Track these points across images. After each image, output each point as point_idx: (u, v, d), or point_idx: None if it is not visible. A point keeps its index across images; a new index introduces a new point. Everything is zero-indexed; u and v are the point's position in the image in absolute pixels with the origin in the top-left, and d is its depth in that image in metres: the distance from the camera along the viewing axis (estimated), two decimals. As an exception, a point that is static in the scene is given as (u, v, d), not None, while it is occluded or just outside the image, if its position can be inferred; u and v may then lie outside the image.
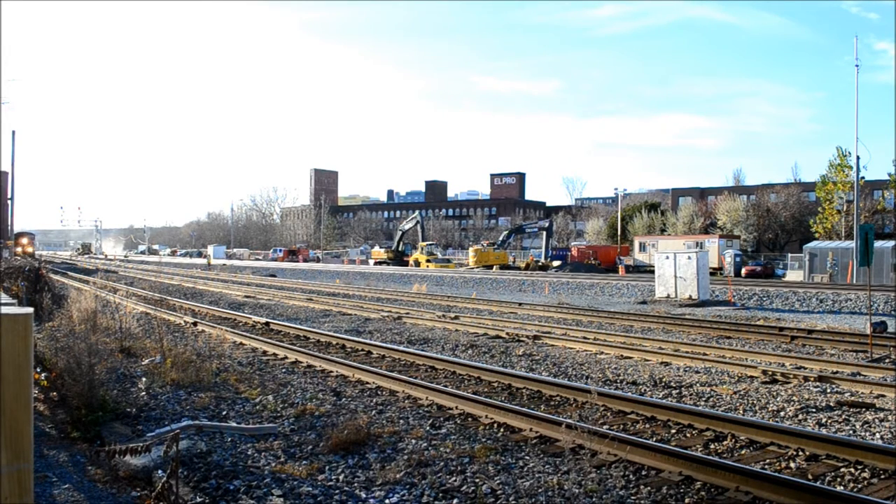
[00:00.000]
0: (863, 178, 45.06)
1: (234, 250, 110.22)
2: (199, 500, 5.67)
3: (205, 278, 41.86)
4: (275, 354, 12.86)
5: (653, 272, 31.80)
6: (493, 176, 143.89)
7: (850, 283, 35.07)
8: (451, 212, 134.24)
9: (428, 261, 61.35)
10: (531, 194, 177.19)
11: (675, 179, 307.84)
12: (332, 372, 11.12)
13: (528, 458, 6.72)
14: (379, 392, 9.71)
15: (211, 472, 6.27)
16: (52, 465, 6.47)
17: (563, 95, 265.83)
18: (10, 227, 49.21)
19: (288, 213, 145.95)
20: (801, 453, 6.73)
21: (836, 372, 11.00)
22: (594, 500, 5.62)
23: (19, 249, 63.51)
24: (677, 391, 9.90)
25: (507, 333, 15.59)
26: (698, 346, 13.68)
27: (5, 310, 2.61)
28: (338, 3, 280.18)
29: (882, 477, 6.12)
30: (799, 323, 18.57)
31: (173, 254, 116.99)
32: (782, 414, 8.57)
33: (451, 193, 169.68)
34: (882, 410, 8.67)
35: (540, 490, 5.79)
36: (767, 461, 6.61)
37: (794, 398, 9.29)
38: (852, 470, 6.28)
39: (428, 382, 9.83)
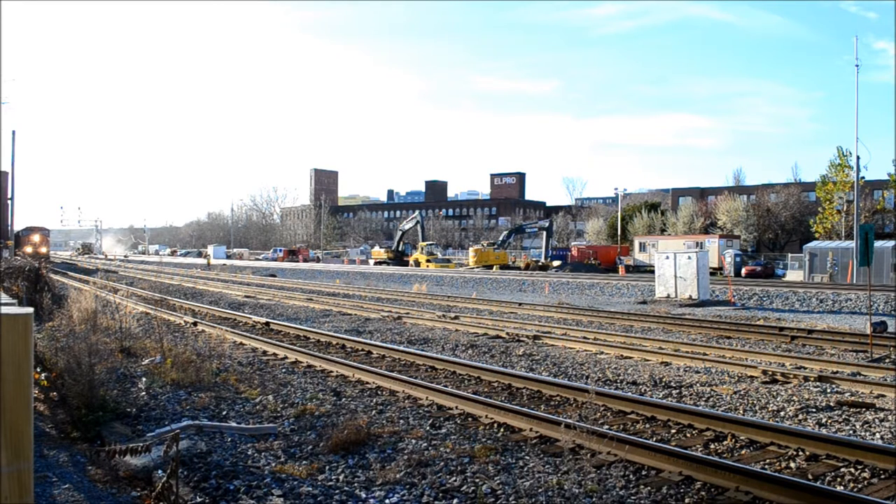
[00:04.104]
0: (863, 178, 45.03)
1: (235, 250, 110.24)
2: (199, 499, 5.67)
3: (205, 278, 41.86)
4: (275, 354, 12.86)
5: (653, 272, 31.80)
6: (493, 176, 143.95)
7: (850, 283, 35.07)
8: (451, 212, 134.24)
9: (428, 261, 61.32)
10: (531, 194, 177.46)
11: (675, 179, 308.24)
12: (332, 372, 11.12)
13: (528, 457, 6.72)
14: (379, 392, 9.71)
15: (211, 472, 6.27)
16: (52, 465, 6.47)
17: (563, 95, 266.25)
18: (10, 227, 48.87)
19: (288, 213, 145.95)
20: (801, 453, 6.73)
21: (836, 372, 11.00)
22: (594, 499, 5.62)
23: (29, 249, 56.82)
24: (677, 391, 9.90)
25: (507, 333, 15.59)
26: (698, 346, 13.68)
27: (5, 310, 2.61)
28: (338, 3, 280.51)
29: (882, 477, 6.12)
30: (799, 323, 18.56)
31: (173, 254, 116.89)
32: (782, 414, 8.57)
33: (451, 193, 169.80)
34: (882, 410, 8.67)
35: (540, 490, 5.79)
36: (767, 461, 6.61)
37: (794, 398, 9.29)
38: (852, 470, 6.28)
39: (428, 382, 9.83)
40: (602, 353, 13.26)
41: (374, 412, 8.53)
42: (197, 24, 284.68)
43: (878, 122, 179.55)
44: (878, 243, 33.11)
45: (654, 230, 76.01)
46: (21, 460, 2.54)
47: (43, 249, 58.11)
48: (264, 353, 13.11)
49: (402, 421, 8.09)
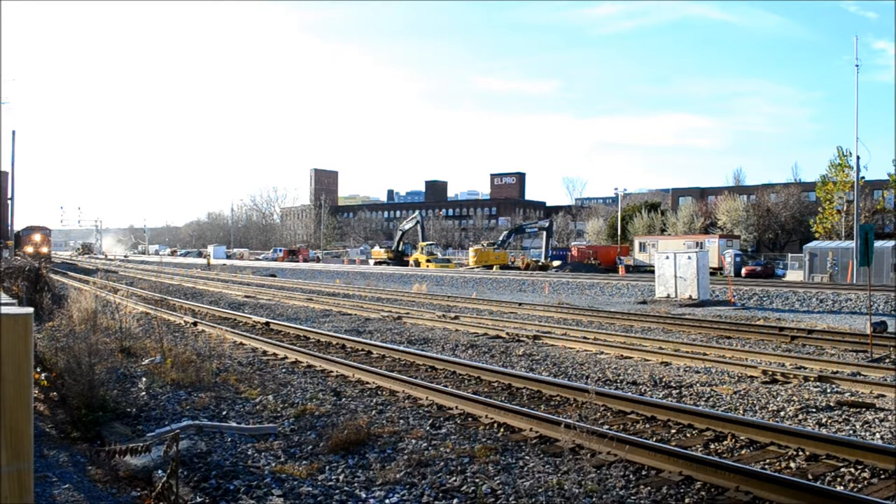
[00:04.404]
0: (863, 178, 45.03)
1: (235, 250, 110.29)
2: (199, 500, 5.67)
3: (205, 278, 41.86)
4: (275, 354, 12.86)
5: (653, 272, 31.80)
6: (493, 176, 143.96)
7: (850, 283, 35.07)
8: (451, 212, 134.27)
9: (428, 261, 61.34)
10: (531, 194, 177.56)
11: (675, 179, 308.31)
12: (332, 372, 11.12)
13: (528, 457, 6.72)
14: (379, 392, 9.71)
15: (211, 472, 6.27)
16: (52, 465, 6.47)
17: (563, 95, 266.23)
18: (10, 227, 48.72)
19: (288, 213, 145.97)
20: (801, 453, 6.73)
21: (836, 372, 11.00)
22: (594, 499, 5.62)
23: (30, 249, 52.19)
24: (677, 391, 9.90)
25: (507, 333, 15.59)
26: (698, 346, 13.68)
27: (5, 310, 2.61)
28: (338, 3, 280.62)
29: (882, 477, 6.12)
30: (799, 323, 18.56)
31: (173, 254, 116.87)
32: (782, 414, 8.57)
33: (451, 193, 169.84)
34: (882, 410, 8.67)
35: (540, 490, 5.79)
36: (767, 461, 6.61)
37: (794, 398, 9.29)
38: (852, 470, 6.28)
39: (428, 382, 9.83)
40: (602, 353, 13.26)
41: (374, 412, 8.53)
42: (197, 24, 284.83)
43: (878, 122, 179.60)
44: (878, 243, 33.11)
45: (654, 230, 76.02)
46: (21, 460, 2.54)
47: (44, 249, 55.74)
48: (264, 353, 13.11)
49: (402, 421, 8.09)
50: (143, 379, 10.13)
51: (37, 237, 57.48)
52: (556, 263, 57.54)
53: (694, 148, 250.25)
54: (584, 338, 15.04)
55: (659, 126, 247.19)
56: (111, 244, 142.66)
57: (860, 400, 9.15)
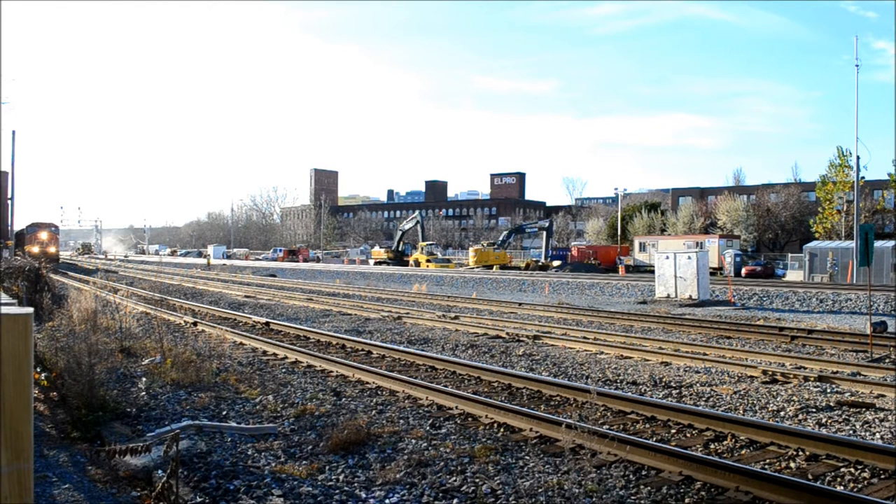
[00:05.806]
0: (863, 178, 45.01)
1: (235, 250, 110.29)
2: (199, 499, 5.67)
3: (205, 278, 41.85)
4: (275, 354, 12.86)
5: (653, 272, 31.80)
6: (493, 176, 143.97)
7: (850, 283, 35.06)
8: (451, 212, 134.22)
9: (428, 261, 61.32)
10: (531, 194, 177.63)
11: (675, 179, 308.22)
12: (332, 372, 11.12)
13: (528, 457, 6.72)
14: (379, 392, 9.71)
15: (211, 472, 6.27)
16: (52, 465, 6.47)
17: (563, 95, 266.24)
18: (10, 227, 48.57)
19: (288, 213, 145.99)
20: (801, 453, 6.73)
21: (836, 372, 11.00)
22: (594, 500, 5.62)
23: (35, 249, 47.62)
24: (677, 391, 9.90)
25: (507, 333, 15.59)
26: (698, 346, 13.68)
27: (5, 310, 2.61)
28: (338, 3, 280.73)
29: (882, 477, 6.12)
30: (799, 323, 18.56)
31: (173, 254, 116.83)
32: (782, 414, 8.57)
33: (451, 193, 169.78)
34: (882, 410, 8.67)
35: (540, 490, 5.79)
36: (767, 461, 6.61)
37: (794, 398, 9.29)
38: (852, 470, 6.28)
39: (428, 382, 9.83)
40: (602, 353, 13.26)
41: (374, 412, 8.53)
42: (197, 25, 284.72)
43: (878, 122, 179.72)
44: (878, 243, 33.11)
45: (654, 230, 76.00)
46: (21, 460, 2.54)
47: (52, 249, 50.35)
48: (264, 353, 13.11)
49: (402, 421, 8.09)
50: (143, 379, 10.13)
51: (43, 235, 52.77)
52: (556, 263, 57.52)
53: (694, 148, 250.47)
54: (584, 338, 15.04)
55: (659, 126, 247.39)
56: (111, 244, 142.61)
57: (860, 400, 9.16)
